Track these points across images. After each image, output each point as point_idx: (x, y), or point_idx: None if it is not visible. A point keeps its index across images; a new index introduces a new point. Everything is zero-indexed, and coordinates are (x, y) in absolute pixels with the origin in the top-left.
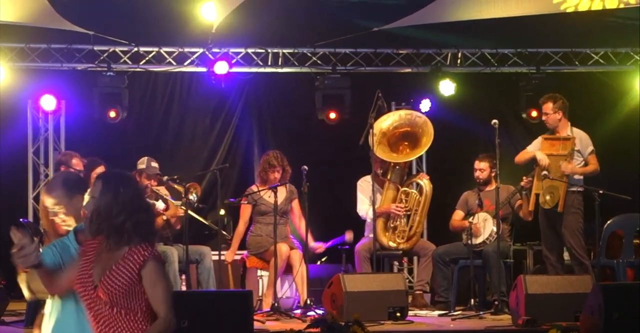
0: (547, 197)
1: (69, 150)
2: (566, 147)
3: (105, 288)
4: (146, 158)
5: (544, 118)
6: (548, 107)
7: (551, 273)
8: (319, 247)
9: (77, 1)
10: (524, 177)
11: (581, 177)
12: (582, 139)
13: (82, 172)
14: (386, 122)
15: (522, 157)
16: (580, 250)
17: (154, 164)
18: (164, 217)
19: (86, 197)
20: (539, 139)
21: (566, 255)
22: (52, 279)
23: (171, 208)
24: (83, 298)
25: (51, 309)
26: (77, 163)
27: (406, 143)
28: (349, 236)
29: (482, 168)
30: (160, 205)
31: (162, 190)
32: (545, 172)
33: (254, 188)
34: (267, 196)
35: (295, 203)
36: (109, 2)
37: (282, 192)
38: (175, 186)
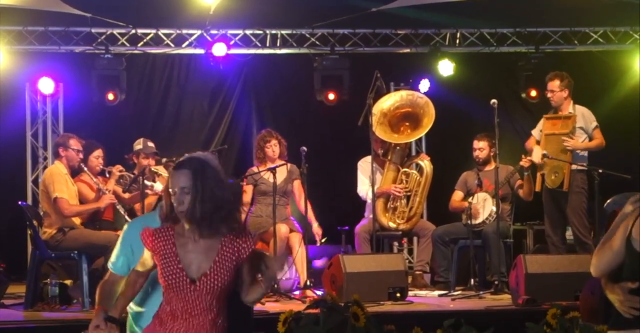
0: (552, 177)
1: (66, 133)
2: (567, 125)
3: (207, 285)
4: (142, 139)
5: (549, 95)
6: (555, 84)
7: (553, 253)
8: (317, 233)
9: None
10: (523, 156)
11: (586, 155)
12: (584, 115)
13: (80, 152)
14: (387, 102)
15: (528, 145)
16: (583, 230)
17: (150, 144)
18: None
19: (158, 184)
20: (542, 120)
21: (569, 235)
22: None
23: None
24: (173, 292)
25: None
26: (74, 143)
27: (407, 123)
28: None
29: (481, 147)
30: (158, 186)
31: (161, 169)
32: (544, 152)
33: (254, 169)
34: (267, 176)
35: (297, 184)
36: None
37: (282, 173)
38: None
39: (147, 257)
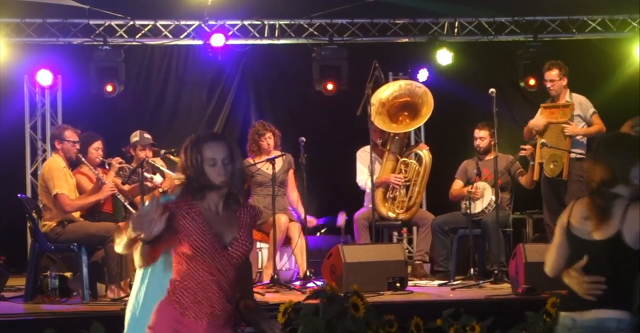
0: (551, 166)
1: (61, 124)
2: (565, 113)
3: (239, 249)
4: (138, 131)
5: (549, 85)
6: (554, 74)
7: (551, 242)
8: (310, 221)
9: None
10: (523, 145)
11: (584, 142)
12: (581, 103)
13: (77, 143)
14: (386, 92)
15: (526, 132)
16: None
17: (147, 136)
18: (160, 190)
19: (158, 176)
20: (540, 109)
21: None
22: (153, 248)
23: (167, 180)
24: (207, 260)
25: (142, 277)
26: (70, 134)
27: (406, 113)
28: (341, 219)
29: (482, 136)
30: (158, 178)
31: (159, 162)
32: (543, 141)
33: (250, 160)
34: (265, 167)
35: (290, 175)
36: None
37: (279, 162)
38: (172, 157)
39: (166, 228)
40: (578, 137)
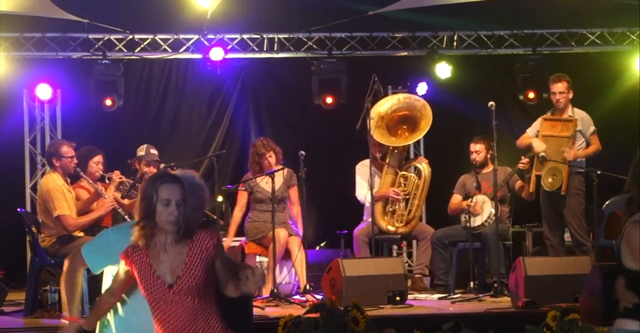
0: (550, 180)
1: (55, 140)
2: (568, 128)
3: (187, 282)
4: (145, 145)
5: (557, 98)
6: (563, 86)
7: (552, 255)
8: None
9: None
10: (523, 157)
11: (582, 161)
12: (583, 120)
13: (73, 158)
14: (385, 105)
15: (522, 141)
16: (581, 231)
17: (153, 151)
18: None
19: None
20: (538, 121)
21: (567, 237)
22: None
23: None
24: (156, 301)
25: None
26: (67, 150)
27: (405, 127)
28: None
29: (477, 150)
30: None
31: None
32: (543, 154)
33: (250, 175)
34: (264, 182)
35: (294, 191)
36: None
37: (278, 178)
38: (172, 172)
39: (121, 273)
40: (577, 145)
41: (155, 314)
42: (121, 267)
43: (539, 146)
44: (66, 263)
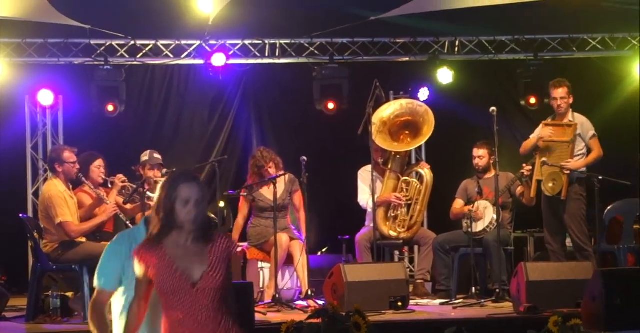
0: (550, 185)
1: (57, 146)
2: (568, 133)
3: (208, 283)
4: (149, 151)
5: (559, 103)
6: (563, 91)
7: (553, 261)
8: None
9: None
10: (524, 165)
11: (583, 167)
12: (583, 124)
13: (76, 164)
14: (387, 111)
15: (525, 146)
16: (582, 237)
17: (157, 156)
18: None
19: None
20: (540, 127)
21: (568, 242)
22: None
23: None
24: (177, 297)
25: (120, 310)
26: (69, 156)
27: (407, 132)
28: None
29: (480, 155)
30: None
31: None
32: (544, 159)
33: (251, 183)
34: (266, 190)
35: (297, 197)
36: None
37: (280, 185)
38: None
39: (140, 277)
40: (578, 157)
41: (171, 311)
42: (138, 270)
43: (543, 133)
44: (90, 306)
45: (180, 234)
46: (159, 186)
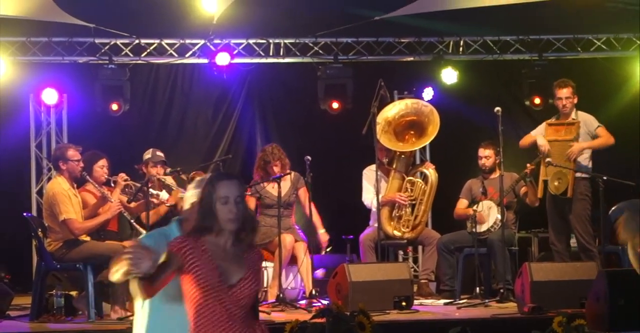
0: (556, 183)
1: (61, 144)
2: (571, 131)
3: (246, 290)
4: (151, 149)
5: (564, 103)
6: (568, 91)
7: (557, 261)
8: (325, 242)
9: None
10: (528, 164)
11: (589, 164)
12: (586, 121)
13: (80, 162)
14: (392, 110)
15: (525, 140)
16: (587, 237)
17: (159, 153)
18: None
19: (164, 193)
20: (543, 125)
21: (573, 242)
22: (150, 284)
23: (172, 196)
24: (213, 297)
25: (144, 309)
26: (73, 154)
27: (412, 132)
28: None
29: (487, 155)
30: (164, 195)
31: (169, 180)
32: (549, 159)
33: (257, 180)
34: (271, 187)
35: (303, 191)
36: None
37: (285, 183)
38: (182, 177)
39: (166, 262)
40: (584, 157)
41: (206, 307)
42: (167, 257)
43: (543, 145)
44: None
45: (220, 235)
46: (199, 189)
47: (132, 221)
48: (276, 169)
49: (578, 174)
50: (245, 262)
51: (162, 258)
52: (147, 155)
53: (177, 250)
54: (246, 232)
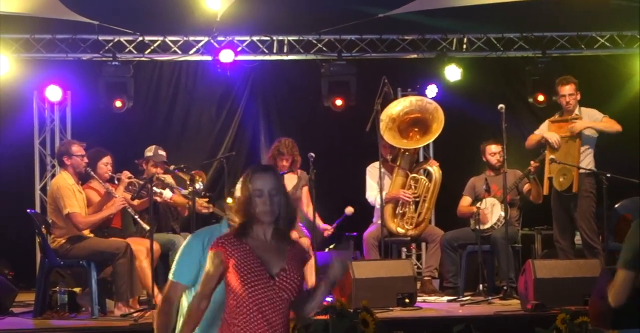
0: (561, 179)
1: (65, 140)
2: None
3: (287, 282)
4: (154, 146)
5: (567, 100)
6: (571, 88)
7: (561, 258)
8: (326, 228)
9: None
10: (532, 162)
11: (592, 163)
12: (589, 115)
13: (85, 157)
14: (396, 107)
15: (531, 140)
16: (592, 234)
17: (162, 152)
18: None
19: (167, 191)
20: (546, 123)
21: (577, 239)
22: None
23: (176, 195)
24: (256, 290)
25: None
26: (77, 150)
27: (416, 129)
28: (348, 210)
29: (499, 151)
30: (167, 193)
31: (168, 179)
32: (553, 157)
33: None
34: None
35: (305, 190)
36: None
37: (291, 180)
38: (181, 175)
39: (212, 270)
40: (587, 154)
41: (247, 303)
42: (210, 263)
43: (551, 136)
44: (161, 299)
45: (259, 228)
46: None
47: (136, 217)
48: (285, 163)
49: (582, 170)
50: (287, 254)
51: (209, 268)
52: (149, 152)
53: (218, 249)
54: (284, 224)
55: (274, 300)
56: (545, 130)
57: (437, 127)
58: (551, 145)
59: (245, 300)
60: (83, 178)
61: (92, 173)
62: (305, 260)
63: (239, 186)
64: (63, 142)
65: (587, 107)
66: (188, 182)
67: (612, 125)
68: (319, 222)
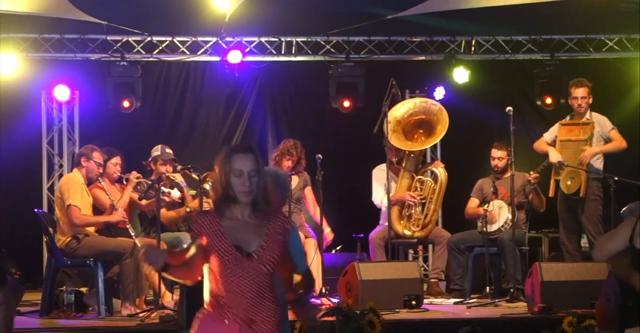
0: (568, 182)
1: (90, 144)
2: (586, 131)
3: (264, 257)
4: (160, 145)
5: (579, 103)
6: (584, 91)
7: (568, 261)
8: (327, 239)
9: None
10: (532, 172)
11: (600, 167)
12: (600, 122)
13: (101, 166)
14: (401, 110)
15: (539, 146)
16: (598, 237)
17: (168, 150)
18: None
19: (176, 191)
20: (556, 126)
21: (584, 242)
22: (185, 271)
23: (185, 194)
24: (228, 269)
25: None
26: (98, 156)
27: (421, 131)
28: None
29: (500, 156)
30: (175, 193)
31: (178, 177)
32: (560, 160)
33: None
34: None
35: (308, 191)
36: None
37: (294, 180)
38: (193, 175)
39: (192, 248)
40: (595, 157)
41: (223, 279)
42: (190, 241)
43: (554, 156)
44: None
45: (237, 207)
46: (215, 162)
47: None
48: (290, 164)
49: (589, 175)
50: (267, 230)
51: (192, 246)
52: (156, 152)
53: (197, 231)
54: (262, 203)
55: (254, 275)
56: (555, 134)
57: (442, 129)
58: (556, 170)
59: (226, 276)
60: (91, 183)
61: (100, 180)
62: (286, 229)
63: (216, 164)
64: (87, 146)
65: (596, 111)
66: (198, 183)
67: (619, 145)
68: (324, 225)
